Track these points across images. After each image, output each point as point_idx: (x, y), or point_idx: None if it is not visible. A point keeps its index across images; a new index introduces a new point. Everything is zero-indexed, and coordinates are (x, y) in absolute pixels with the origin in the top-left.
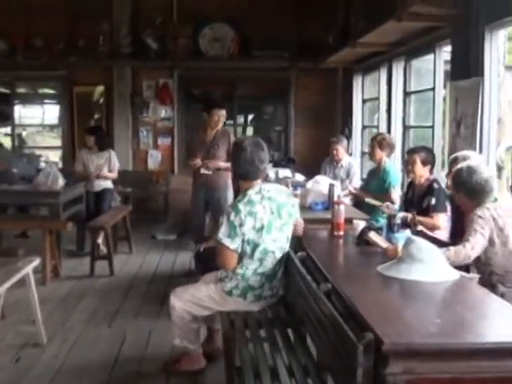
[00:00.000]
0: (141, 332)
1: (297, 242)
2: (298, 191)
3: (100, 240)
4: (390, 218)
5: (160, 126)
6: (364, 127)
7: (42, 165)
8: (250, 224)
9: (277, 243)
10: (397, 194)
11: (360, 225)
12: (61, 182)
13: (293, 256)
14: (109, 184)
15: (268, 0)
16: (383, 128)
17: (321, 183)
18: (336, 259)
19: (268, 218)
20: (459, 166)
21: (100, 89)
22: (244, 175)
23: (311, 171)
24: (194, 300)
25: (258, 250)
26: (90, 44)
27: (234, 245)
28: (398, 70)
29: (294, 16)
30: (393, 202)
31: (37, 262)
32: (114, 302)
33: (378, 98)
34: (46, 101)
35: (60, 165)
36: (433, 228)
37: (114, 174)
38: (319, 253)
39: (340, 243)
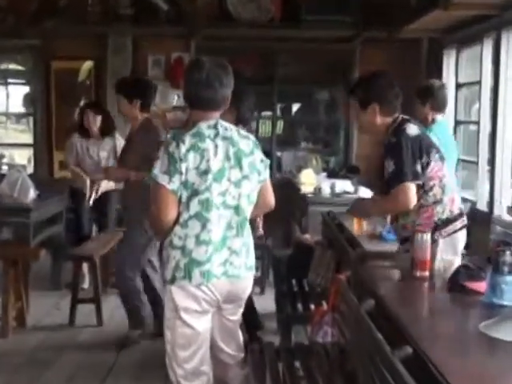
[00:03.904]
0: None
1: (360, 285)
2: None
3: (84, 273)
4: (497, 253)
5: (171, 118)
6: (458, 123)
7: (5, 169)
8: (193, 161)
9: (226, 198)
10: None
11: (453, 263)
12: (32, 193)
13: (354, 305)
14: (112, 184)
15: None
16: (486, 124)
17: None
18: (419, 311)
19: (220, 162)
20: None
21: (88, 65)
22: (196, 102)
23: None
24: (170, 339)
25: (197, 199)
26: (74, 3)
27: (172, 185)
28: (509, 42)
29: None
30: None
31: None
32: (102, 366)
33: (479, 83)
34: (10, 80)
35: (31, 169)
36: (394, 210)
37: None
38: (394, 302)
39: (424, 288)
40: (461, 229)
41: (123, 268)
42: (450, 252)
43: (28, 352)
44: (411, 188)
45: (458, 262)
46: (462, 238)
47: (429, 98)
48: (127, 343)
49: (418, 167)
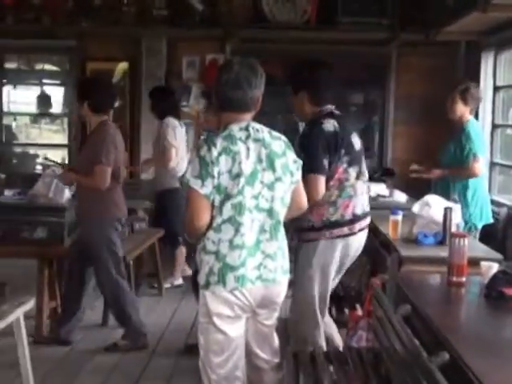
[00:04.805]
0: None
1: (396, 290)
2: (399, 216)
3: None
4: None
5: (205, 120)
6: (495, 126)
7: (39, 169)
8: (225, 164)
9: (259, 201)
10: (480, 166)
11: (491, 268)
12: (67, 193)
13: (390, 311)
14: (166, 179)
15: None
16: None
17: (432, 206)
18: (456, 318)
19: (252, 164)
20: None
21: (122, 66)
22: (226, 103)
23: (417, 188)
24: (203, 344)
25: (230, 203)
26: (109, 3)
27: (205, 189)
28: None
29: None
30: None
31: (30, 304)
32: (135, 366)
33: None
34: (46, 81)
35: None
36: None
37: (165, 159)
38: (431, 307)
39: (461, 294)
40: (348, 235)
41: (100, 274)
42: (328, 255)
43: (62, 352)
44: (320, 179)
45: (495, 267)
46: (344, 243)
47: (473, 99)
48: (114, 350)
49: (325, 162)
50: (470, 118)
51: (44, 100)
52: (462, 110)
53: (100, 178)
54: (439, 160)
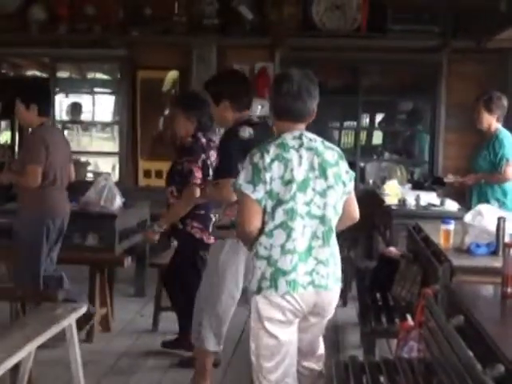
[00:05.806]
0: None
1: (448, 300)
2: (451, 226)
3: None
4: None
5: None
6: None
7: (90, 176)
8: (277, 171)
9: (311, 208)
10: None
11: None
12: (118, 201)
13: (442, 321)
14: None
15: None
16: None
17: (485, 215)
18: (511, 329)
19: (304, 172)
20: None
21: (173, 74)
22: (284, 112)
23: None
24: (254, 350)
25: (282, 209)
26: (160, 13)
27: (257, 194)
28: None
29: None
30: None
31: (82, 309)
32: (186, 372)
33: None
34: (97, 89)
35: (115, 177)
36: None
37: None
38: (485, 319)
39: None
40: None
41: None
42: (233, 253)
43: (113, 357)
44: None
45: None
46: None
47: (498, 107)
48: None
49: (239, 166)
50: (498, 126)
51: (75, 108)
52: (489, 119)
53: (29, 177)
54: (472, 167)
